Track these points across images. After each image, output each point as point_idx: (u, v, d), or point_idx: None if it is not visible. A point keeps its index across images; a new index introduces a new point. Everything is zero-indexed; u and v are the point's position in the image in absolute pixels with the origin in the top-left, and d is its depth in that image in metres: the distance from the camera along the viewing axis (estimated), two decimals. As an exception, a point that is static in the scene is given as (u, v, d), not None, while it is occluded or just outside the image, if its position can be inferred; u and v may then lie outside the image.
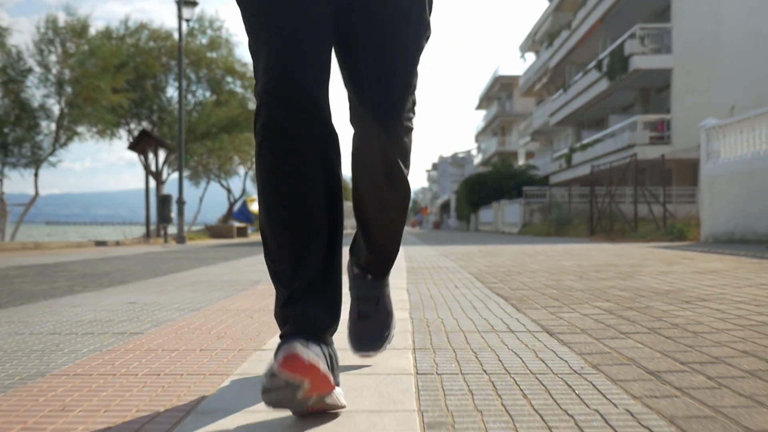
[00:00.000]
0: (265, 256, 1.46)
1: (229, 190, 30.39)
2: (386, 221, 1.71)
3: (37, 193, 16.61)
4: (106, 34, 18.47)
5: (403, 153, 1.59)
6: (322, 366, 1.27)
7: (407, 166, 1.64)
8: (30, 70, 15.69)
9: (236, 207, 31.48)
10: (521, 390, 1.56)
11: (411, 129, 1.60)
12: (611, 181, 17.40)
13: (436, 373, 1.74)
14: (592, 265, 5.82)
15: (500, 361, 1.90)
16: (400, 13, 1.52)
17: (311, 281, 1.41)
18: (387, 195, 1.64)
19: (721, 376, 1.66)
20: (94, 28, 16.10)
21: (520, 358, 1.93)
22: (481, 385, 1.62)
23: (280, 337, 1.41)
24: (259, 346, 2.18)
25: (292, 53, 1.39)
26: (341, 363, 1.67)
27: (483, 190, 36.98)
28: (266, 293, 3.81)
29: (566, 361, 1.87)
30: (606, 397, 1.48)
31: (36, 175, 16.19)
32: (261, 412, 1.40)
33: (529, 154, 52.68)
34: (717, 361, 1.85)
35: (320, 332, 1.40)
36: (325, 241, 1.44)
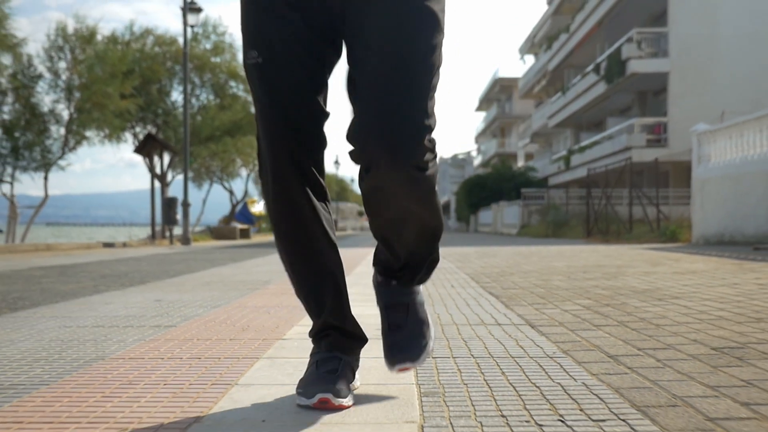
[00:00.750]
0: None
1: (231, 192, 30.80)
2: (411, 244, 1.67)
3: (46, 196, 17.04)
4: (112, 39, 18.84)
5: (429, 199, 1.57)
6: (346, 402, 1.53)
7: (436, 205, 1.60)
8: (40, 76, 16.12)
9: (238, 208, 31.86)
10: (501, 369, 1.91)
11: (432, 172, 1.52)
12: (607, 184, 17.75)
13: (432, 357, 2.08)
14: (582, 266, 6.17)
15: (486, 347, 2.25)
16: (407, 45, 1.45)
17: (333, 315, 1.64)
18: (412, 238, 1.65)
19: (667, 359, 2.01)
20: (100, 32, 16.31)
21: (503, 345, 2.27)
22: (468, 365, 1.96)
23: (318, 350, 1.66)
24: (280, 336, 2.53)
25: (284, 122, 1.53)
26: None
27: (482, 192, 37.36)
28: (278, 292, 4.16)
29: (542, 348, 2.22)
30: (569, 374, 1.83)
31: (46, 178, 16.65)
32: (289, 386, 1.74)
33: (529, 156, 53.04)
34: (668, 347, 2.19)
35: (348, 350, 1.66)
36: (334, 279, 1.64)
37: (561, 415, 1.44)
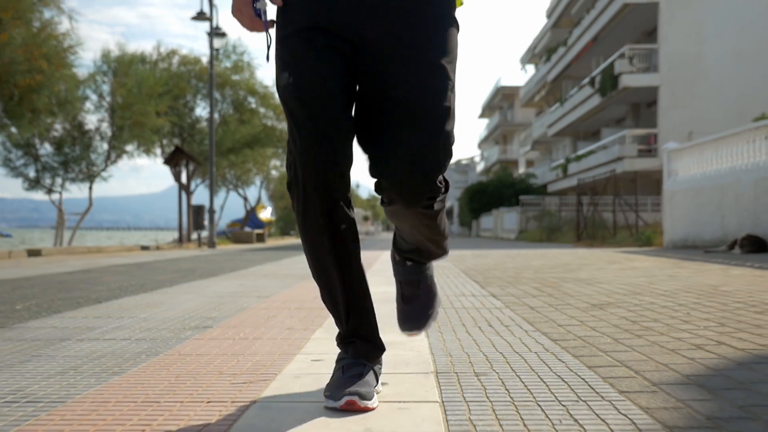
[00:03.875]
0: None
1: (245, 199, 32.53)
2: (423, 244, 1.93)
3: (91, 204, 18.83)
4: (141, 58, 20.60)
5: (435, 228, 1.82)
6: (371, 404, 1.63)
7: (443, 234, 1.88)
8: (86, 98, 17.91)
9: (243, 215, 33.74)
10: (468, 313, 3.53)
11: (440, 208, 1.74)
12: (595, 192, 19.37)
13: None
14: (553, 265, 7.79)
15: (461, 305, 3.88)
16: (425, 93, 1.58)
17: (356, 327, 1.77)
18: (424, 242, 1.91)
19: (560, 307, 3.63)
20: (114, 40, 18.36)
21: (471, 303, 3.91)
22: (448, 312, 3.59)
23: (344, 355, 1.78)
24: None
25: (324, 155, 1.59)
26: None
27: (484, 198, 39.09)
28: (322, 280, 5.79)
29: (494, 305, 3.85)
30: (503, 314, 3.45)
31: (90, 188, 18.46)
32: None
33: (530, 163, 54.66)
34: (567, 305, 3.82)
35: (372, 358, 1.78)
36: (361, 289, 1.77)
37: (491, 325, 3.08)
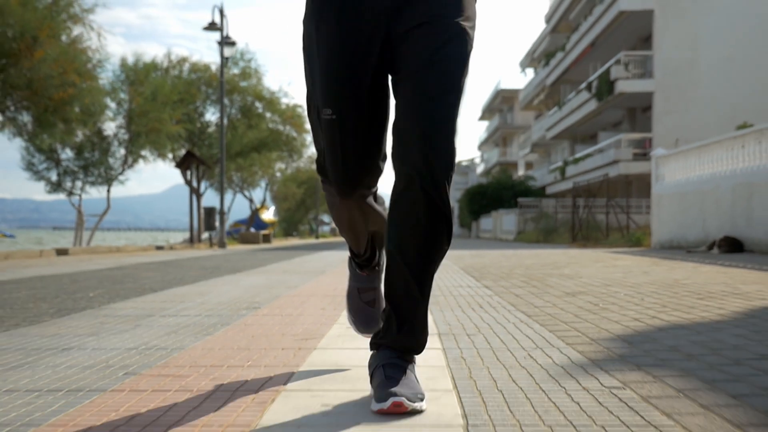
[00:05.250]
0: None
1: (251, 200, 33.38)
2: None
3: (109, 206, 19.76)
4: (152, 66, 21.45)
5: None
6: (417, 406, 1.62)
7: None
8: (106, 106, 18.79)
9: (247, 215, 34.60)
10: (464, 299, 4.33)
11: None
12: (590, 195, 20.17)
13: (443, 296, 4.49)
14: (543, 263, 8.58)
15: (459, 294, 4.67)
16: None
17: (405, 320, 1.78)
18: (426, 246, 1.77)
19: (539, 294, 4.42)
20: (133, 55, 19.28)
21: (467, 292, 4.70)
22: (448, 298, 4.38)
23: (381, 356, 1.80)
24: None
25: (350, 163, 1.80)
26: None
27: (483, 200, 39.93)
28: (338, 274, 6.57)
29: (485, 293, 4.64)
30: (493, 299, 4.25)
31: (108, 191, 19.40)
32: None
33: (529, 165, 55.47)
34: (546, 293, 4.61)
35: (409, 357, 1.82)
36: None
37: (481, 306, 3.87)
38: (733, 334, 2.75)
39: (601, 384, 1.91)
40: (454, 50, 1.72)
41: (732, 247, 10.39)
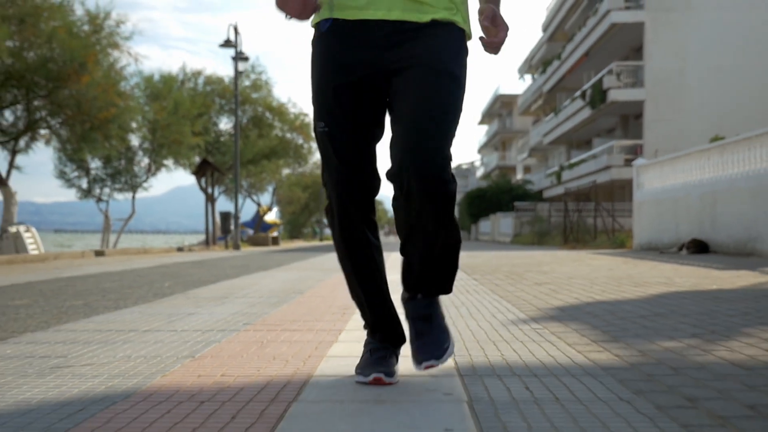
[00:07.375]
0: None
1: (258, 204, 34.77)
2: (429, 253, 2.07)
3: (134, 211, 21.24)
4: (169, 78, 22.84)
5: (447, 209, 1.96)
6: (394, 380, 2.05)
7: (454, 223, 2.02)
8: (138, 122, 20.30)
9: (250, 217, 36.18)
10: (455, 288, 5.64)
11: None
12: (581, 199, 21.51)
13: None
14: (529, 263, 9.89)
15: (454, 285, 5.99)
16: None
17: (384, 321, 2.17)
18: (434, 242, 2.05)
19: (512, 284, 5.74)
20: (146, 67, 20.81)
21: (458, 283, 6.02)
22: (446, 286, 5.70)
23: (373, 341, 2.17)
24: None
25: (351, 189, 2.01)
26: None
27: (482, 203, 41.33)
28: (353, 272, 7.89)
29: (473, 284, 5.96)
30: (477, 288, 5.56)
31: (133, 197, 20.91)
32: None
33: (527, 169, 56.77)
34: (520, 282, 5.93)
35: (395, 344, 2.18)
36: (383, 292, 2.16)
37: (467, 291, 5.20)
38: (635, 306, 4.07)
39: (531, 327, 3.24)
40: (446, 93, 1.91)
41: (699, 248, 11.70)
